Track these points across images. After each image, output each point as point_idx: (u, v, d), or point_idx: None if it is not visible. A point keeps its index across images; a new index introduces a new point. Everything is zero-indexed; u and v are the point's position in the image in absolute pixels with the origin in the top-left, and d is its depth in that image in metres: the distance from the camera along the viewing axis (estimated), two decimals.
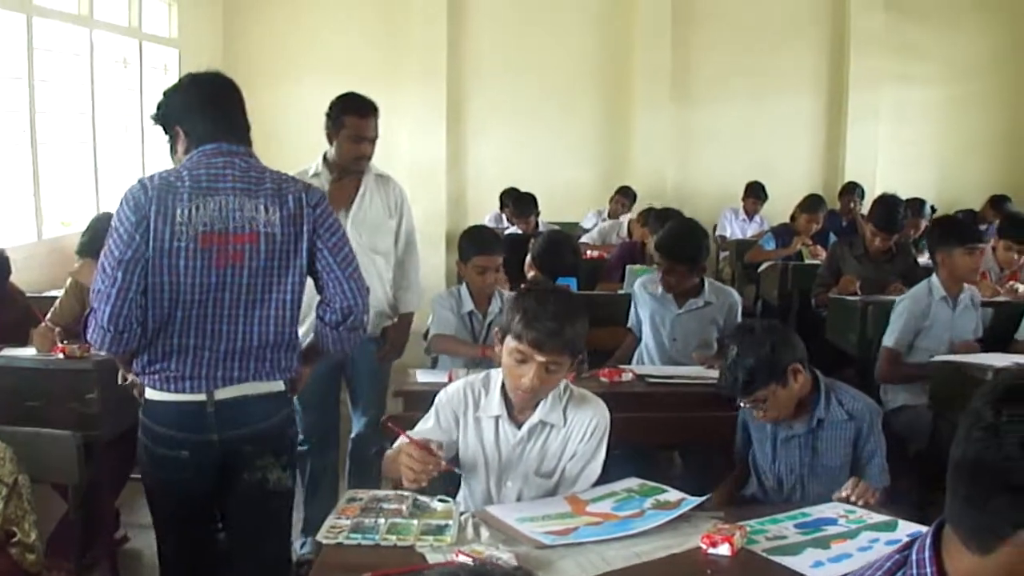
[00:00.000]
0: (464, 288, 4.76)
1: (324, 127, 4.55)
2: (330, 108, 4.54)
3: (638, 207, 9.01)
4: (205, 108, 3.04)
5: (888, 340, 5.02)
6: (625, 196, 9.84)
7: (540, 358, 2.84)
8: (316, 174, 4.52)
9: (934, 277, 5.10)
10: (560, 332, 2.84)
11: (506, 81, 10.49)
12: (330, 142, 4.55)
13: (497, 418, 3.04)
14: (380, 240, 4.65)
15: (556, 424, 3.04)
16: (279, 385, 3.12)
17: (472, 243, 4.72)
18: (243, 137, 3.10)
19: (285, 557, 3.40)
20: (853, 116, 11.03)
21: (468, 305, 4.73)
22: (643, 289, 4.84)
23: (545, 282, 5.18)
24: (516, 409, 3.04)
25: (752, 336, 3.31)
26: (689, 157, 10.88)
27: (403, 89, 10.08)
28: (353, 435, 4.79)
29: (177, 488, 3.06)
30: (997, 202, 9.24)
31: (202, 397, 2.98)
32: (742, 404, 3.35)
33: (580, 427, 3.04)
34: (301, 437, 4.25)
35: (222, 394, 2.99)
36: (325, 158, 4.60)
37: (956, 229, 5.15)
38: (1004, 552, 1.46)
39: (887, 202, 6.57)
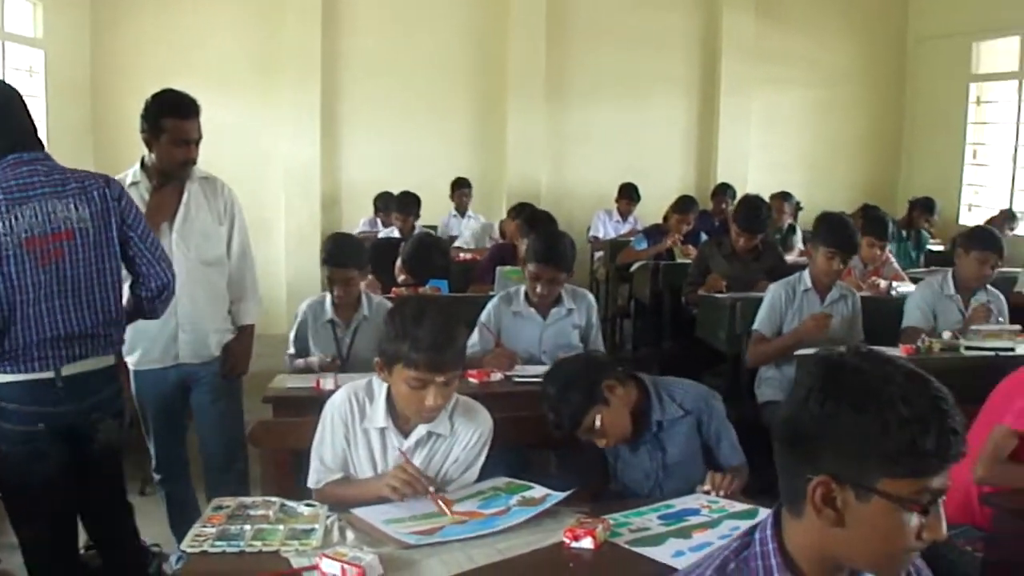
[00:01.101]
0: (328, 296, 4.70)
1: (140, 130, 4.11)
2: (146, 109, 4.09)
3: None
4: None
5: (756, 324, 5.21)
6: (463, 187, 9.85)
7: (440, 379, 2.88)
8: (134, 183, 4.12)
9: (806, 270, 5.28)
10: (451, 345, 2.90)
11: (381, 83, 10.38)
12: (148, 147, 4.13)
13: (383, 429, 3.06)
14: (210, 250, 4.27)
15: (443, 434, 3.07)
16: (112, 359, 3.50)
17: (326, 254, 4.69)
18: (37, 142, 3.36)
19: (126, 507, 3.74)
20: (725, 119, 11.23)
21: (328, 314, 4.68)
22: (504, 308, 4.75)
23: (410, 296, 5.13)
24: (402, 419, 3.06)
25: (560, 371, 3.35)
26: (563, 159, 10.93)
27: (277, 91, 9.93)
28: (206, 459, 4.47)
29: (36, 465, 3.28)
30: (866, 211, 9.51)
31: (50, 374, 3.29)
32: (582, 435, 3.29)
33: (465, 436, 3.09)
34: (154, 465, 4.38)
35: (68, 370, 3.32)
36: (143, 164, 4.18)
37: (828, 229, 5.25)
38: (809, 510, 1.59)
39: (750, 203, 6.74)
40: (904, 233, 9.13)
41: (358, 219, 9.89)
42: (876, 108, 11.87)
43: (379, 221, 9.21)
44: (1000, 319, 5.25)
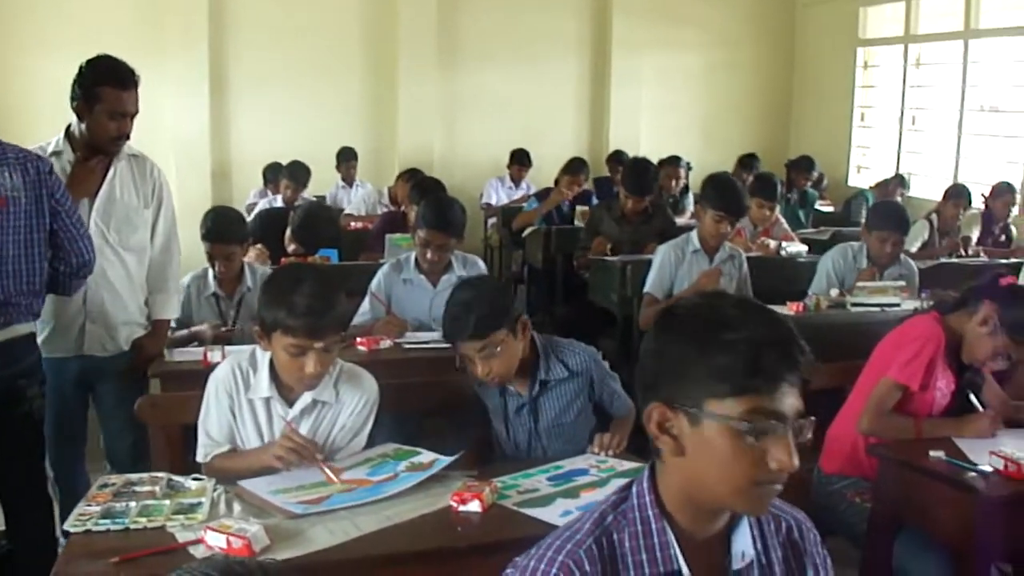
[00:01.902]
0: (211, 270, 4.60)
1: (71, 98, 3.76)
2: (81, 77, 3.73)
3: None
4: None
5: (646, 287, 5.23)
6: (349, 158, 9.69)
7: (319, 344, 2.85)
8: (56, 152, 3.79)
9: (694, 231, 5.31)
10: (329, 311, 2.87)
11: (270, 50, 10.09)
12: (80, 117, 3.77)
13: (268, 399, 3.02)
14: (132, 234, 3.97)
15: (328, 401, 3.04)
16: (33, 326, 3.52)
17: (205, 229, 4.59)
18: None
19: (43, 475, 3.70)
20: (616, 82, 11.20)
21: (211, 287, 4.58)
22: (395, 276, 4.68)
23: (287, 263, 5.03)
24: (286, 388, 3.02)
25: (476, 284, 3.35)
26: (455, 125, 10.80)
27: (162, 57, 9.51)
28: (110, 460, 4.12)
29: None
30: (745, 162, 9.65)
31: None
32: (473, 352, 3.18)
33: (351, 402, 3.06)
34: (49, 460, 3.93)
35: None
36: (69, 134, 3.84)
37: (716, 193, 5.28)
38: (663, 454, 1.64)
39: (637, 166, 6.80)
40: (791, 196, 9.29)
41: (248, 190, 9.70)
42: (766, 71, 11.99)
43: (269, 192, 9.07)
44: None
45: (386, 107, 10.54)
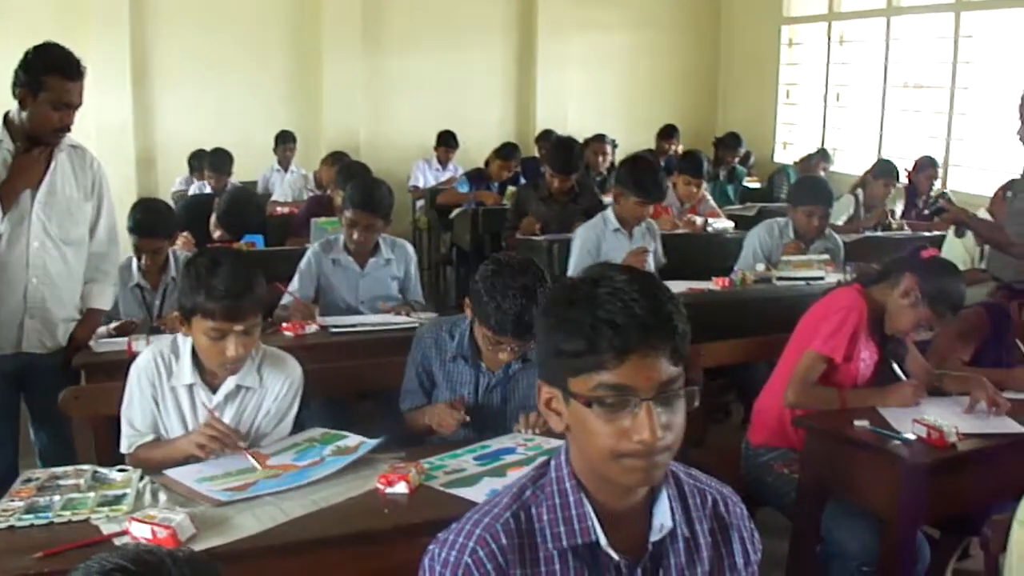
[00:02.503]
0: (135, 260, 4.54)
1: (13, 84, 3.64)
2: (27, 63, 3.61)
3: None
4: None
5: (570, 271, 5.24)
6: (287, 142, 9.61)
7: (238, 327, 2.82)
8: None
9: (609, 210, 5.33)
10: (248, 293, 2.83)
11: (193, 33, 9.90)
12: (22, 105, 3.65)
13: (191, 386, 2.98)
14: (73, 228, 3.86)
15: (252, 386, 3.02)
16: None
17: (132, 222, 4.50)
18: None
19: None
20: (543, 63, 11.20)
21: (135, 278, 4.52)
22: (323, 256, 4.66)
23: (206, 248, 4.96)
24: (209, 375, 2.99)
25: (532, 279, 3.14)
26: (382, 108, 10.71)
27: (82, 41, 9.24)
28: (42, 461, 3.88)
29: None
30: (666, 134, 9.70)
31: None
32: (513, 345, 3.12)
33: (275, 387, 3.04)
34: None
35: None
36: (7, 123, 3.72)
37: (635, 180, 5.26)
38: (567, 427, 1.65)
39: (561, 144, 6.79)
40: (720, 173, 9.36)
41: (174, 178, 9.55)
42: (692, 50, 12.07)
43: (195, 180, 8.95)
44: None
45: (311, 91, 10.44)
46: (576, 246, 5.30)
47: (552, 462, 1.71)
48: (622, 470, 1.58)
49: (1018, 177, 4.82)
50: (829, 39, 10.75)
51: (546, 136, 9.72)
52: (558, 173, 6.44)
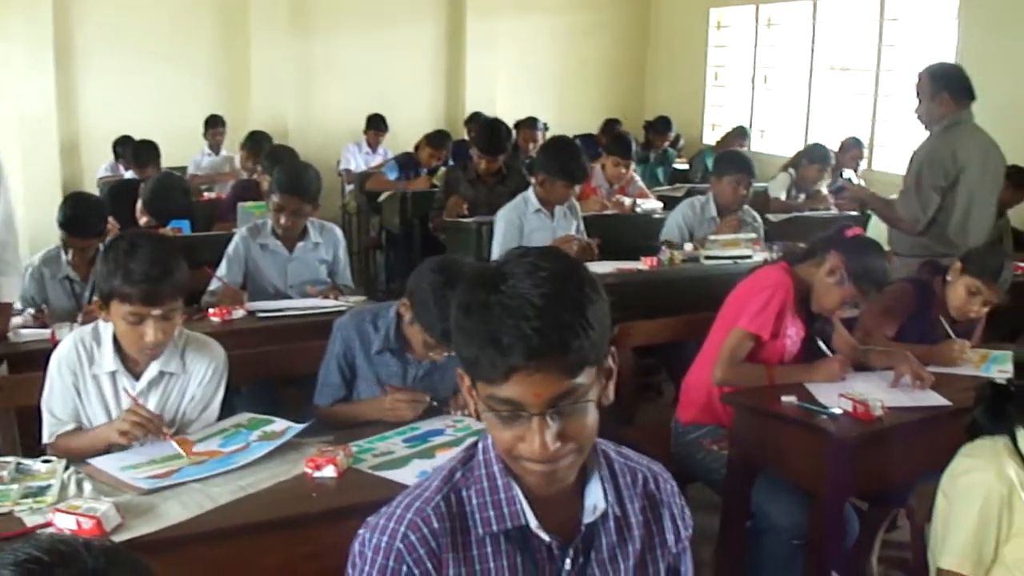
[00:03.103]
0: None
1: None
2: None
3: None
4: None
5: (493, 253, 5.26)
6: (217, 126, 9.46)
7: (156, 311, 2.77)
8: None
9: (531, 191, 5.33)
10: (167, 277, 2.78)
11: (117, 16, 9.74)
12: None
13: (114, 373, 2.93)
14: None
15: (176, 372, 2.97)
16: None
17: (63, 218, 4.43)
18: None
19: None
20: (472, 46, 11.18)
21: (65, 270, 4.44)
22: (251, 241, 4.60)
23: (126, 233, 4.88)
24: (132, 361, 2.94)
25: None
26: (310, 92, 10.64)
27: (2, 26, 9.22)
28: None
29: None
30: (609, 126, 9.74)
31: None
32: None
33: (199, 372, 3.00)
34: None
35: None
36: None
37: (562, 162, 5.24)
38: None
39: (488, 125, 6.82)
40: (650, 155, 9.42)
41: (99, 165, 9.38)
42: (622, 33, 12.13)
43: (121, 167, 8.80)
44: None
45: (238, 75, 10.32)
46: (499, 228, 5.30)
47: (480, 444, 1.69)
48: (524, 470, 1.58)
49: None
50: (757, 22, 10.89)
51: (475, 118, 9.73)
52: (485, 154, 6.45)
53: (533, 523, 1.62)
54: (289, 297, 4.53)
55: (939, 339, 3.99)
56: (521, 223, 5.26)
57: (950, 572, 2.41)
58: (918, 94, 4.93)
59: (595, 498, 1.67)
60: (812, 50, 10.11)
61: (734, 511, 3.56)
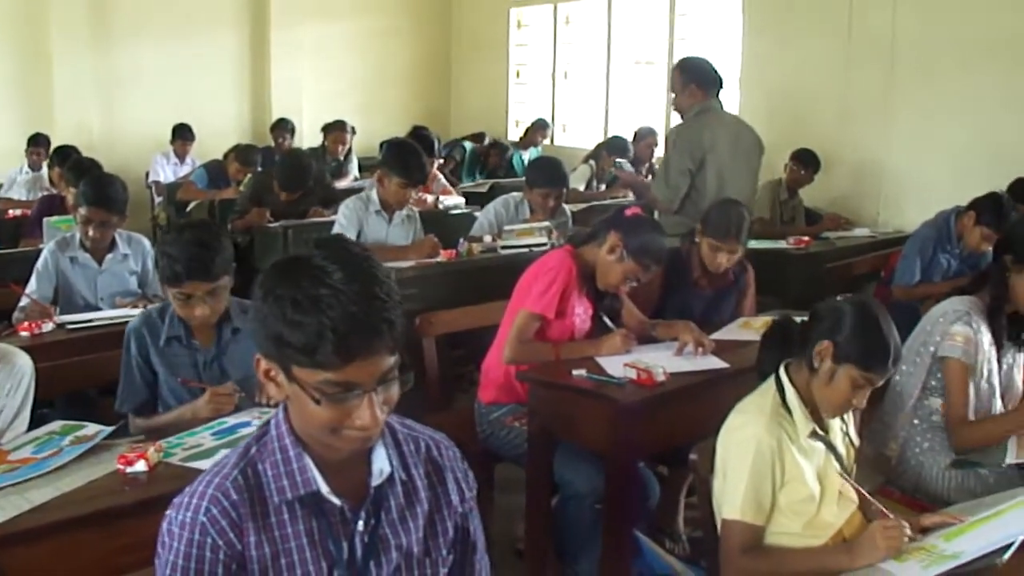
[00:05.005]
0: None
1: None
2: None
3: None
4: None
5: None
6: (39, 145, 9.10)
7: None
8: None
9: (374, 191, 5.40)
10: None
11: None
12: None
13: None
14: None
15: None
16: None
17: None
18: None
19: None
20: (277, 53, 11.13)
21: None
22: (60, 254, 4.57)
23: None
24: None
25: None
26: (115, 103, 10.39)
27: None
28: None
29: None
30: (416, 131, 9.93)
31: None
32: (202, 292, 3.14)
33: (5, 382, 3.00)
34: None
35: None
36: None
37: (403, 161, 5.31)
38: None
39: (288, 161, 7.00)
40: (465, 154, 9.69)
41: None
42: (425, 34, 12.28)
43: None
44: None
45: (40, 88, 9.99)
46: (341, 218, 5.33)
47: (272, 420, 1.82)
48: (341, 440, 1.70)
49: None
50: (555, 20, 11.20)
51: (282, 125, 9.76)
52: (284, 190, 6.57)
53: (324, 488, 1.75)
54: (100, 309, 4.53)
55: (702, 303, 4.33)
56: (360, 221, 5.30)
57: (733, 521, 2.60)
58: (673, 87, 5.37)
59: (381, 463, 1.82)
60: (609, 46, 10.45)
61: (537, 483, 3.71)
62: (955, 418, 3.42)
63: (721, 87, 5.33)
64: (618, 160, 8.34)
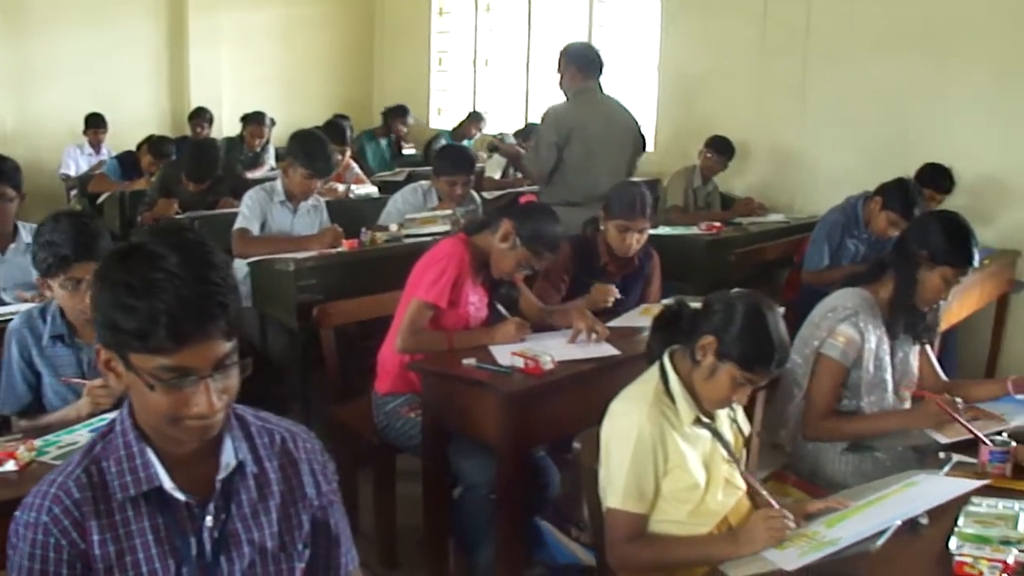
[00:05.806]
0: None
1: None
2: None
3: None
4: None
5: (240, 223, 5.20)
6: None
7: None
8: None
9: (278, 181, 5.38)
10: None
11: None
12: None
13: None
14: None
15: None
16: None
17: None
18: None
19: None
20: (195, 41, 10.96)
21: None
22: None
23: None
24: None
25: None
26: (27, 94, 10.16)
27: None
28: None
29: None
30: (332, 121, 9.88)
31: None
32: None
33: None
34: None
35: None
36: None
37: (308, 151, 5.28)
38: None
39: (195, 152, 6.85)
40: (384, 141, 9.60)
41: None
42: (347, 22, 12.15)
43: None
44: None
45: None
46: (241, 212, 5.27)
47: (118, 416, 1.81)
48: (181, 430, 1.70)
49: None
50: (476, 7, 11.17)
51: (200, 114, 9.65)
52: (190, 180, 6.51)
53: (167, 484, 1.75)
54: (4, 303, 4.44)
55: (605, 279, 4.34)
56: (264, 211, 5.26)
57: (616, 510, 2.62)
58: (558, 69, 5.67)
59: (228, 456, 1.82)
60: (529, 33, 10.47)
61: (433, 473, 3.71)
62: (812, 411, 3.48)
63: (601, 71, 5.66)
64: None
